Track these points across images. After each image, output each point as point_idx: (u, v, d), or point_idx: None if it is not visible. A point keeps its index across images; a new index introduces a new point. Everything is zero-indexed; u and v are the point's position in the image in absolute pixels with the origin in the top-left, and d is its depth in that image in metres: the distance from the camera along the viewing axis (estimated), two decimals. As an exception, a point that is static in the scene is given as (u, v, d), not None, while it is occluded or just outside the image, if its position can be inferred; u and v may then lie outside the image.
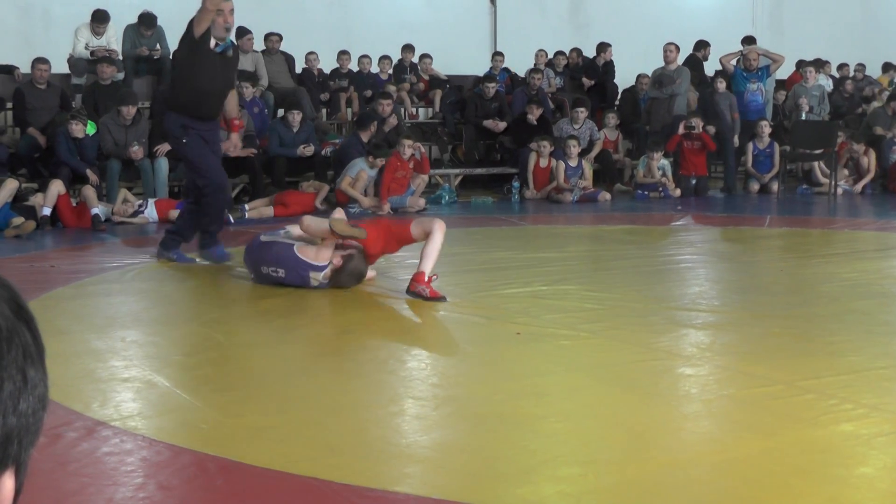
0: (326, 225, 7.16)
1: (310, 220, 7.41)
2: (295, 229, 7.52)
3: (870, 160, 15.58)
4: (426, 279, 6.93)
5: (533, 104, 15.54)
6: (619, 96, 17.64)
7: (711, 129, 15.09)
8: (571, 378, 5.03)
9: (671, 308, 6.76)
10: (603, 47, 17.67)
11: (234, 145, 8.50)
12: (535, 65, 17.22)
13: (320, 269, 7.23)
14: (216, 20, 7.63)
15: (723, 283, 8.11)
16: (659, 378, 5.00)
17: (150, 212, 11.95)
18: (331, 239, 7.18)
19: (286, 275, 7.30)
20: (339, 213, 7.43)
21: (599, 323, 6.19)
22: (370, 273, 7.48)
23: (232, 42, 7.97)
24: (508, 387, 4.81)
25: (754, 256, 9.51)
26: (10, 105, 13.68)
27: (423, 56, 17.24)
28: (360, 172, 13.03)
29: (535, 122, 15.33)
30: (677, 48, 15.97)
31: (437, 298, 6.83)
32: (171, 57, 13.93)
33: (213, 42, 7.74)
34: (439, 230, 7.11)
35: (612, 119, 16.57)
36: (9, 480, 0.88)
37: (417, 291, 6.89)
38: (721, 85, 15.41)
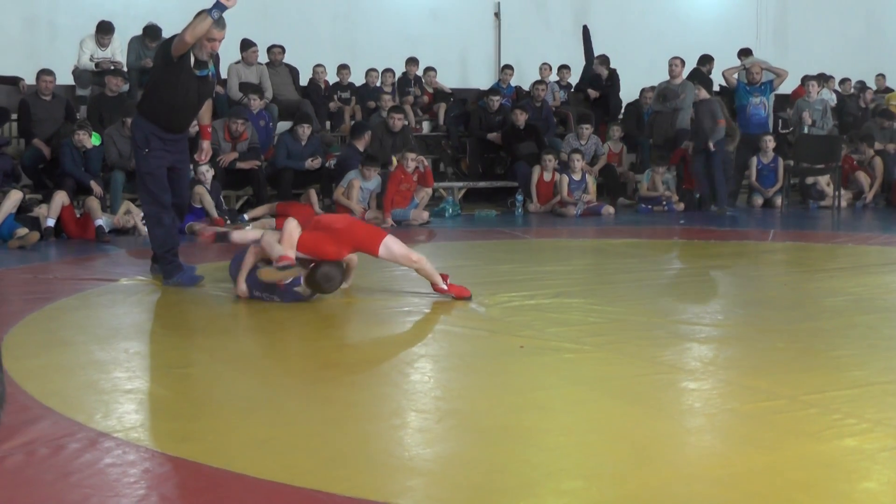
0: (276, 251, 7.13)
1: (265, 243, 7.29)
2: (240, 289, 7.47)
3: (875, 168, 15.62)
4: (446, 285, 7.38)
5: (518, 109, 15.57)
6: (622, 110, 17.65)
7: (688, 144, 15.05)
8: (575, 391, 5.02)
9: (675, 322, 6.75)
10: (603, 59, 17.68)
11: (205, 153, 8.54)
12: (539, 78, 17.24)
13: (295, 284, 7.22)
14: (203, 43, 7.68)
15: (726, 297, 8.11)
16: (662, 392, 5.00)
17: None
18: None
19: (281, 298, 7.33)
20: (290, 224, 7.27)
21: (603, 336, 6.18)
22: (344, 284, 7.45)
23: (213, 71, 8.02)
24: (512, 400, 4.80)
25: (758, 270, 9.50)
26: (15, 116, 13.71)
27: (428, 69, 17.26)
28: (353, 181, 13.09)
29: (522, 127, 15.36)
30: (683, 62, 15.99)
31: (465, 297, 7.35)
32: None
33: (192, 60, 7.76)
34: (421, 260, 7.39)
35: (616, 131, 16.59)
36: None
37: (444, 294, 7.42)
38: (702, 92, 14.85)
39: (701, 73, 16.80)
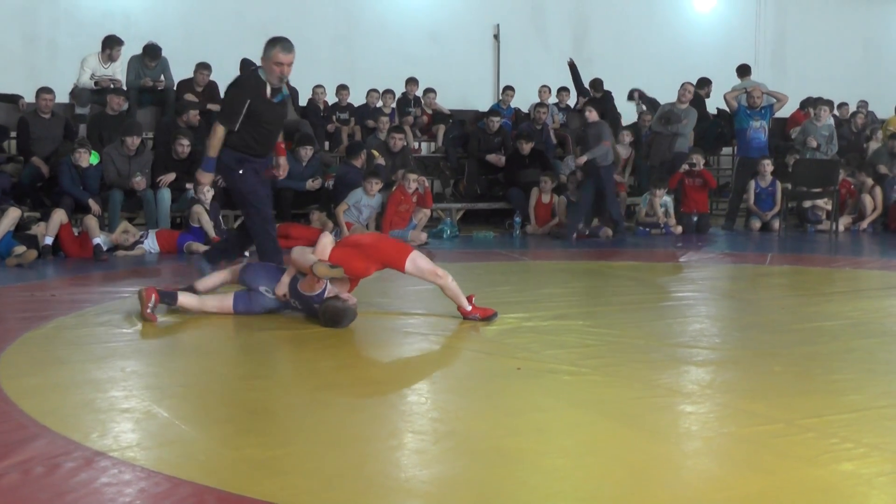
0: (309, 259, 7.20)
1: (296, 254, 7.41)
2: (281, 288, 7.55)
3: (875, 197, 15.64)
4: (470, 308, 7.45)
5: (522, 139, 15.62)
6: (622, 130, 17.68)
7: (686, 168, 15.10)
8: (572, 414, 5.02)
9: (672, 345, 6.75)
10: (595, 83, 17.72)
11: (283, 168, 8.65)
12: (539, 100, 17.28)
13: (319, 298, 7.27)
14: (273, 69, 7.96)
15: (724, 321, 8.10)
16: (659, 415, 4.99)
17: (151, 243, 11.96)
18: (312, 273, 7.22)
19: (302, 307, 7.39)
20: (325, 238, 7.43)
21: (600, 359, 6.17)
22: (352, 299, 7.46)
23: (287, 94, 8.25)
24: (509, 422, 4.80)
25: (755, 294, 9.50)
26: (14, 134, 13.72)
27: (427, 90, 17.31)
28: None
29: (527, 154, 15.41)
30: (693, 89, 16.07)
31: (490, 317, 7.44)
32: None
33: (268, 90, 8.04)
34: (446, 277, 7.45)
35: (626, 136, 16.59)
36: None
37: (472, 319, 7.44)
38: (592, 114, 14.29)
39: (698, 97, 16.81)
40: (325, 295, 7.28)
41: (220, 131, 8.08)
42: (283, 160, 8.73)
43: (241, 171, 8.19)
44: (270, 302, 7.58)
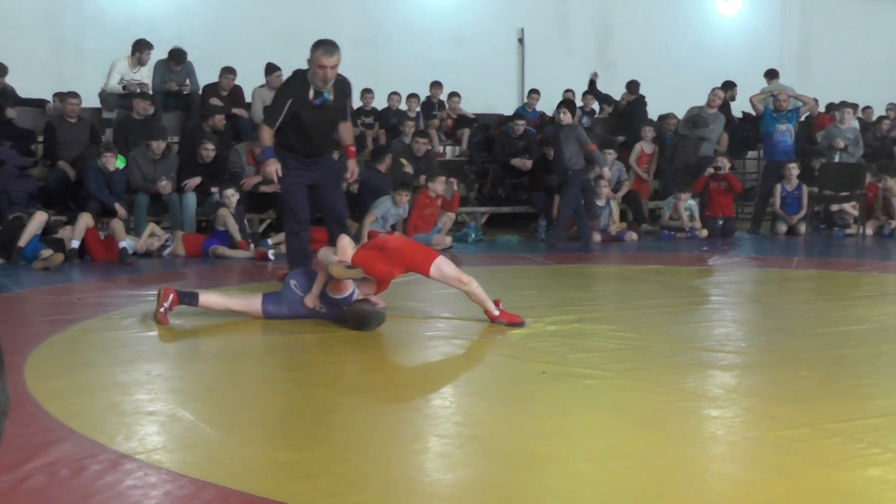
0: (331, 260, 7.22)
1: (321, 255, 7.42)
2: (312, 300, 7.57)
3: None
4: (498, 312, 7.41)
5: (550, 144, 15.58)
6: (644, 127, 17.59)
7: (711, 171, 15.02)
8: (596, 418, 5.01)
9: (697, 349, 6.72)
10: (633, 86, 17.70)
11: (351, 171, 8.69)
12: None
13: (348, 301, 7.28)
14: (317, 71, 8.06)
15: (749, 325, 8.07)
16: (684, 419, 4.97)
17: (176, 246, 12.01)
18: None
19: (327, 311, 7.40)
20: (344, 240, 7.42)
21: (625, 363, 6.16)
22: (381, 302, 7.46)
23: (328, 97, 8.27)
24: (533, 426, 4.79)
25: (781, 298, 9.46)
26: (40, 138, 13.81)
27: (452, 94, 17.31)
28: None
29: (552, 160, 15.37)
30: (723, 95, 16.03)
31: (517, 324, 7.36)
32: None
33: (311, 93, 8.14)
34: (471, 283, 7.42)
35: (649, 132, 16.54)
36: None
37: (499, 323, 7.40)
38: (566, 116, 13.70)
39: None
40: (354, 298, 7.29)
41: (263, 129, 8.35)
42: (351, 163, 8.77)
43: (284, 171, 8.33)
44: (297, 305, 7.54)
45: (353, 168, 8.81)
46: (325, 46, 8.08)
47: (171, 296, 7.47)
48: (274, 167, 8.45)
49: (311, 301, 7.48)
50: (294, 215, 8.47)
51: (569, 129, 13.57)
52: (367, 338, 7.06)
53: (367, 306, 7.20)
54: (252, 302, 7.64)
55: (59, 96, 14.08)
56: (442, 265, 7.35)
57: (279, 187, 8.61)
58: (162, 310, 7.41)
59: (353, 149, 8.83)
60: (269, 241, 12.64)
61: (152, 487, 3.89)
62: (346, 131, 8.73)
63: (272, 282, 8.93)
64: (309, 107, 8.17)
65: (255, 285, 8.78)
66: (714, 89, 16.02)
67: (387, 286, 7.55)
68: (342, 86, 8.43)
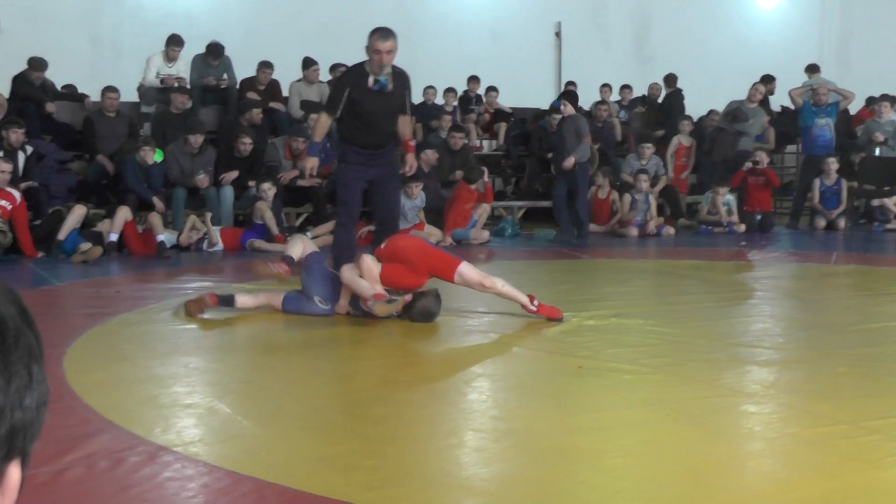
0: (363, 288, 7.27)
1: (348, 279, 7.39)
2: (342, 308, 7.61)
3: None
4: (535, 307, 7.35)
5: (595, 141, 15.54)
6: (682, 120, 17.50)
7: (749, 166, 14.87)
8: (633, 413, 4.99)
9: (734, 344, 6.69)
10: (667, 78, 17.62)
11: (409, 165, 8.71)
12: (601, 98, 17.21)
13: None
14: (373, 57, 8.09)
15: (787, 320, 8.02)
16: (721, 415, 4.95)
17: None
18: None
19: (354, 311, 7.44)
20: (367, 261, 7.39)
21: (661, 358, 6.13)
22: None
23: (385, 83, 8.25)
24: (569, 421, 4.78)
25: (820, 294, 9.39)
26: (80, 133, 13.91)
27: (489, 89, 17.29)
28: None
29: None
30: (764, 90, 15.93)
31: (555, 319, 7.31)
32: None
33: (370, 80, 8.15)
34: (495, 286, 7.41)
35: (686, 126, 16.45)
36: (15, 471, 0.94)
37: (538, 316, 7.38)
38: (567, 108, 13.43)
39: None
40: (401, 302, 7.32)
41: (322, 118, 8.47)
42: (410, 157, 8.79)
43: (342, 164, 8.48)
44: (319, 311, 7.58)
45: (411, 162, 8.82)
46: (380, 32, 8.12)
47: (213, 301, 7.55)
48: (311, 164, 8.54)
49: (342, 310, 7.51)
50: (346, 209, 8.49)
51: (570, 120, 13.29)
52: (404, 332, 7.07)
53: (429, 300, 7.28)
54: (274, 299, 7.71)
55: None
56: (464, 273, 7.35)
57: (318, 181, 8.64)
58: (200, 315, 7.45)
59: (412, 143, 8.85)
60: (309, 234, 12.68)
61: (189, 480, 3.91)
62: (406, 125, 8.72)
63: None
64: (368, 94, 8.20)
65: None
66: (755, 84, 15.92)
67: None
68: (401, 77, 8.42)
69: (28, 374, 0.95)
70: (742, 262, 11.55)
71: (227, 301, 7.65)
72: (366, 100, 8.19)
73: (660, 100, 18.13)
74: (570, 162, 13.10)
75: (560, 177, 13.54)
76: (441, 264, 7.43)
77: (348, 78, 8.41)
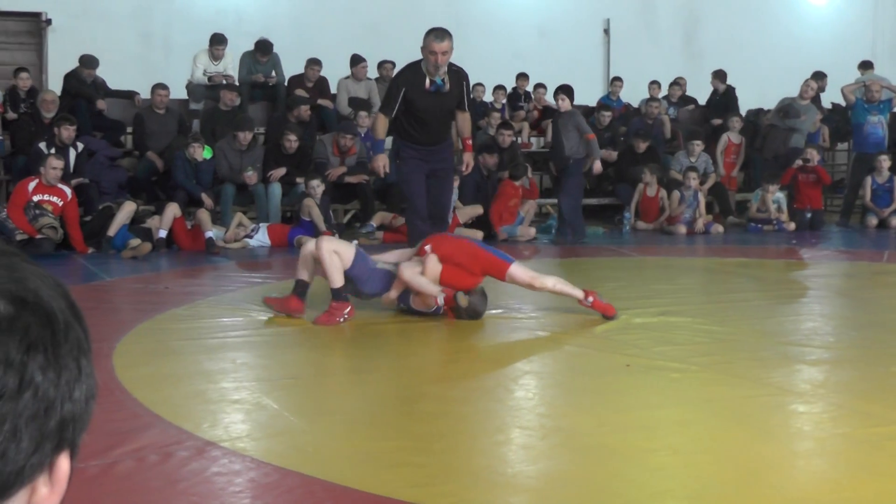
0: (430, 289, 7.25)
1: (409, 276, 7.31)
2: (389, 300, 7.53)
3: None
4: (591, 300, 7.29)
5: (639, 137, 15.45)
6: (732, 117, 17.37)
7: (799, 163, 14.72)
8: (681, 412, 4.96)
9: (784, 343, 6.63)
10: (718, 74, 17.49)
11: (466, 164, 8.84)
12: (650, 95, 17.12)
13: (437, 311, 7.31)
14: (428, 57, 8.17)
15: (838, 319, 7.94)
16: (770, 414, 4.91)
17: (262, 236, 12.10)
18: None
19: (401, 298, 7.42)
20: (432, 261, 7.35)
21: (710, 357, 6.09)
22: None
23: (441, 84, 8.34)
24: (617, 419, 4.76)
25: (872, 292, 9.28)
26: (130, 129, 14.03)
27: (538, 86, 17.24)
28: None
29: (641, 153, 15.25)
30: (816, 87, 15.78)
31: (610, 315, 7.27)
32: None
33: (427, 81, 8.26)
34: (545, 287, 7.40)
35: (736, 123, 16.32)
36: (64, 462, 0.95)
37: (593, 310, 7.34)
38: (564, 102, 12.72)
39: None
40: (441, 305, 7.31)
41: (379, 118, 8.61)
42: (467, 156, 8.84)
43: (397, 161, 8.62)
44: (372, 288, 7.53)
45: (468, 161, 8.85)
46: (435, 32, 8.19)
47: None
48: (382, 162, 8.65)
49: (387, 301, 7.50)
50: (413, 207, 8.56)
51: (567, 116, 12.59)
52: (451, 328, 7.07)
53: (476, 298, 7.29)
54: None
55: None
56: (514, 272, 7.35)
57: (402, 174, 8.71)
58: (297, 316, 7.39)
59: (469, 142, 8.88)
60: (374, 224, 12.74)
61: (237, 475, 3.93)
62: (465, 123, 8.79)
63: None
64: (423, 94, 8.28)
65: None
66: (806, 80, 15.76)
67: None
68: (458, 75, 8.48)
69: (77, 368, 0.97)
70: (792, 259, 11.45)
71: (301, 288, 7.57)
72: (421, 99, 8.27)
73: (706, 98, 17.99)
74: (598, 166, 12.74)
75: (562, 177, 12.73)
76: (492, 267, 7.43)
77: (404, 78, 8.46)
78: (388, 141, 14.71)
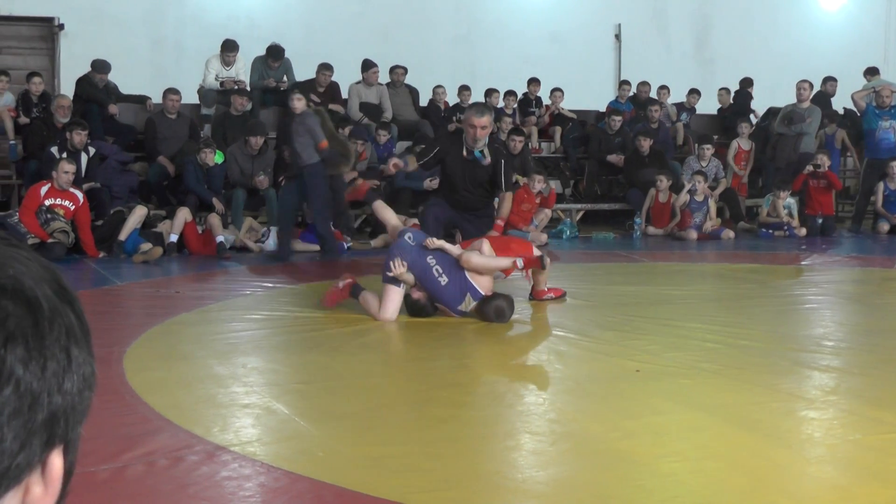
0: (502, 263, 7.46)
1: (481, 260, 7.45)
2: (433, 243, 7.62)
3: None
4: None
5: (641, 136, 15.43)
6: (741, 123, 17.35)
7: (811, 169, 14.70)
8: (691, 417, 4.95)
9: (795, 349, 6.61)
10: (747, 82, 17.47)
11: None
12: (654, 97, 17.11)
13: (478, 297, 7.31)
14: (468, 130, 8.48)
15: (849, 325, 7.92)
16: (781, 420, 4.90)
17: (273, 241, 12.11)
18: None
19: (446, 283, 7.38)
20: (486, 244, 7.62)
21: (720, 362, 6.08)
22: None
23: (479, 156, 8.58)
24: (626, 425, 4.75)
25: (883, 298, 9.25)
26: (141, 134, 14.06)
27: (555, 90, 17.22)
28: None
29: (647, 153, 15.22)
30: (811, 86, 15.75)
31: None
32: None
33: (465, 151, 8.55)
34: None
35: (745, 129, 16.30)
36: (57, 459, 0.90)
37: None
38: (299, 103, 11.24)
39: (824, 95, 16.39)
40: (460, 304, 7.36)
41: (411, 161, 9.04)
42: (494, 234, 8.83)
43: (423, 206, 9.17)
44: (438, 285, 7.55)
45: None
46: (476, 107, 8.60)
47: (348, 282, 7.72)
48: (394, 160, 9.04)
49: (431, 244, 7.48)
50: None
51: (300, 117, 11.26)
52: (460, 333, 7.07)
53: (502, 301, 7.34)
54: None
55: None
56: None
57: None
58: (340, 285, 7.71)
59: (501, 225, 8.95)
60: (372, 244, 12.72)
61: (246, 479, 3.93)
62: (504, 202, 8.87)
63: (364, 276, 8.95)
64: (459, 162, 8.59)
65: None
66: (799, 82, 15.70)
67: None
68: (497, 153, 8.70)
69: (67, 357, 0.91)
70: (803, 266, 11.43)
71: (356, 291, 7.74)
72: (455, 165, 8.62)
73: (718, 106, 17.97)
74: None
75: (292, 182, 11.46)
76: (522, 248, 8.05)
77: (444, 141, 8.86)
78: (399, 146, 14.88)
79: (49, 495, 0.90)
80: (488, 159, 8.54)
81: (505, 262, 7.51)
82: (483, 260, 7.39)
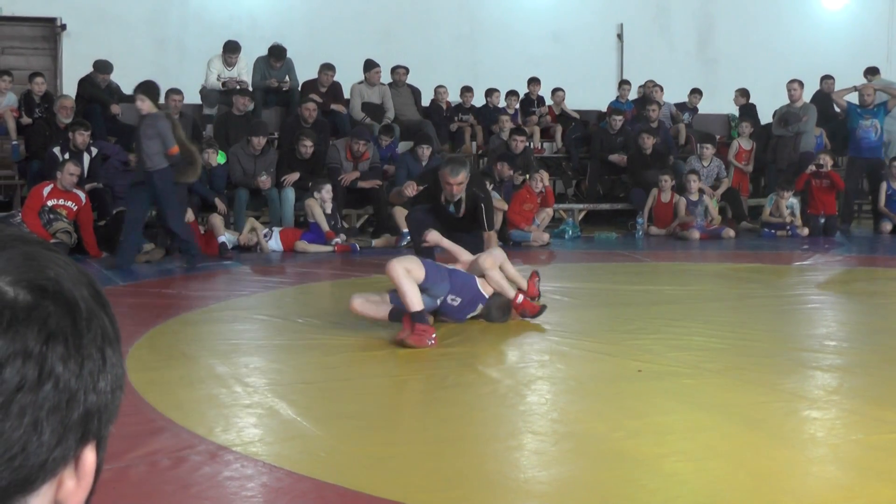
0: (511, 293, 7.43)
1: (493, 261, 7.47)
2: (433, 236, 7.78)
3: None
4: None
5: (645, 133, 15.43)
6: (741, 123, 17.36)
7: (812, 169, 14.67)
8: (693, 417, 4.95)
9: (797, 349, 6.61)
10: (742, 91, 17.48)
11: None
12: (651, 96, 17.10)
13: (485, 300, 7.33)
14: (444, 186, 8.42)
15: (852, 325, 7.91)
16: (784, 420, 4.89)
17: (275, 241, 12.12)
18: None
19: (459, 303, 7.37)
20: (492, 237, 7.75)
21: (723, 362, 6.08)
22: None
23: (453, 210, 8.60)
24: (629, 424, 4.75)
25: (886, 298, 9.24)
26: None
27: (556, 90, 17.23)
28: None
29: (649, 152, 15.22)
30: (801, 85, 15.74)
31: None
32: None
33: (443, 198, 8.57)
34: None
35: (746, 128, 16.30)
36: (90, 454, 0.94)
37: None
38: (144, 104, 10.22)
39: (823, 94, 16.36)
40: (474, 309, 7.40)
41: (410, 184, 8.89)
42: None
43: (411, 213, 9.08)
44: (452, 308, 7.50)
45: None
46: (451, 166, 8.44)
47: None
48: (410, 187, 8.82)
49: (431, 237, 7.73)
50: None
51: (150, 119, 10.26)
52: (463, 334, 7.06)
53: (504, 300, 7.37)
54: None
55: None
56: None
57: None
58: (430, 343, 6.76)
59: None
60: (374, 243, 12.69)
61: (249, 479, 3.93)
62: (489, 240, 8.53)
63: (366, 277, 8.95)
64: (440, 207, 8.61)
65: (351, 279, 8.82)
66: (789, 83, 15.71)
67: None
68: (474, 201, 8.57)
69: (101, 357, 0.96)
70: (805, 265, 11.42)
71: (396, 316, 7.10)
72: (439, 207, 8.62)
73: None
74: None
75: (141, 188, 10.43)
76: None
77: (430, 179, 8.74)
78: (402, 145, 14.88)
79: (81, 489, 0.93)
80: (462, 212, 8.50)
81: (518, 278, 7.57)
82: (502, 281, 7.41)
